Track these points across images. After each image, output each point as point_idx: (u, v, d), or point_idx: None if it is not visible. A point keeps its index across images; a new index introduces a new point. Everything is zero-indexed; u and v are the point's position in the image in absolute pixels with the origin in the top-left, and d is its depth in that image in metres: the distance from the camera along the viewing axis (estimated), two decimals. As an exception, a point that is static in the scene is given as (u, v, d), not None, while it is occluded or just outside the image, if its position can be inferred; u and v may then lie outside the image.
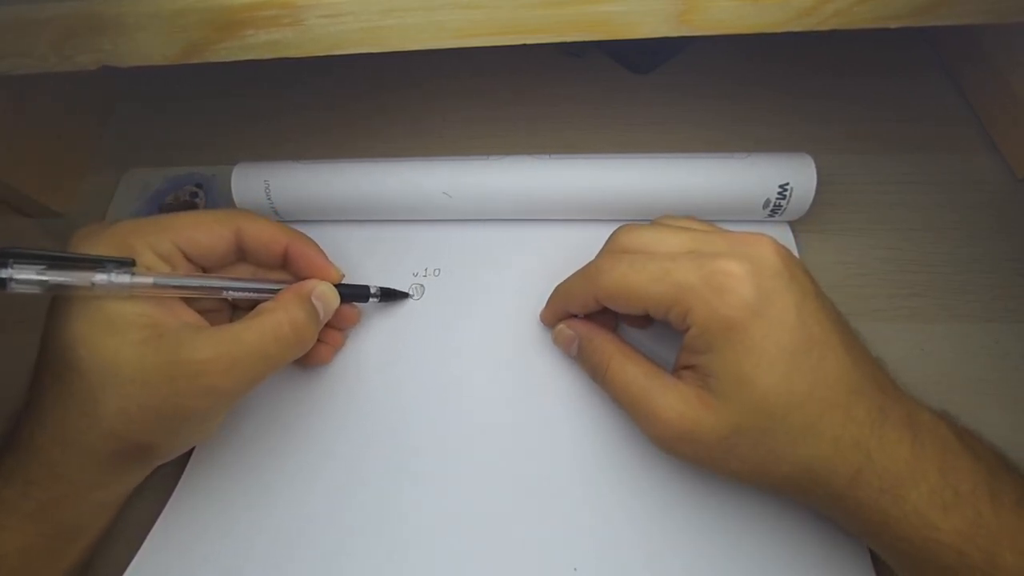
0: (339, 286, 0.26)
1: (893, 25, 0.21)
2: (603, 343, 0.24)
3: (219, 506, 0.25)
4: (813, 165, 0.27)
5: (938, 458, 0.19)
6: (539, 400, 0.26)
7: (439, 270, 0.30)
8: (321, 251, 0.26)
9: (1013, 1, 0.21)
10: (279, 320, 0.22)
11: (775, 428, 0.19)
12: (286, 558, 0.23)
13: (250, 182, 0.29)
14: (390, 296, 0.28)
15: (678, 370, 0.22)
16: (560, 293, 0.26)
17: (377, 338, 0.28)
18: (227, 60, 0.23)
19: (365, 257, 0.30)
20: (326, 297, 0.25)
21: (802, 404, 0.19)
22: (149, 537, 0.24)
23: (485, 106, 0.36)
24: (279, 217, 0.31)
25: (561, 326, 0.26)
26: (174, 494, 0.25)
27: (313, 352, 0.26)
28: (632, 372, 0.22)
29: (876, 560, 0.22)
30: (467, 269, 0.30)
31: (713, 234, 0.22)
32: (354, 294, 0.27)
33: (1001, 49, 0.31)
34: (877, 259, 0.29)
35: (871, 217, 0.30)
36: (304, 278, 0.25)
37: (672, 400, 0.21)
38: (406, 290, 0.29)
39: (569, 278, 0.25)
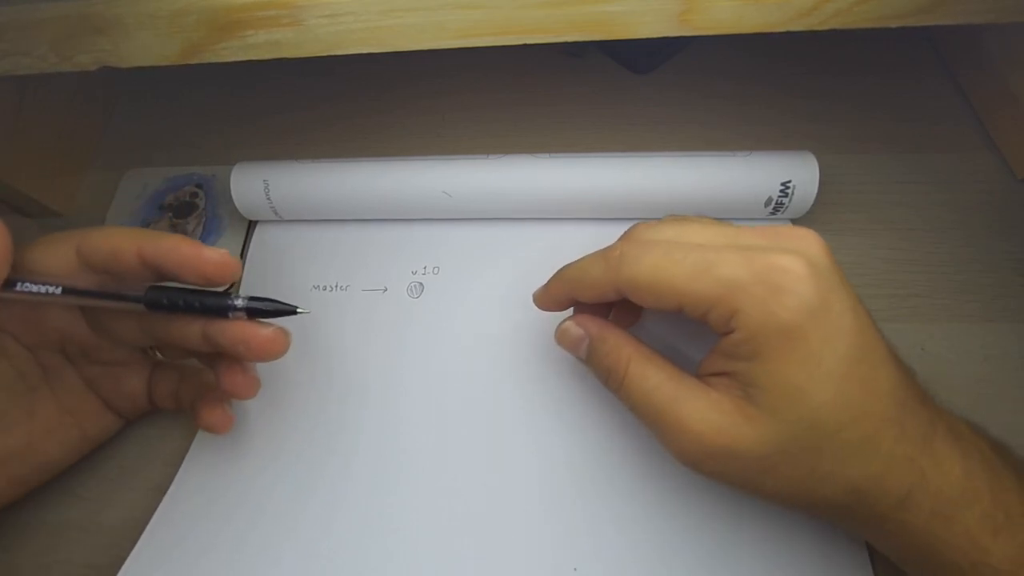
0: (192, 291, 0.21)
1: (893, 25, 0.21)
2: (619, 344, 0.21)
3: (214, 504, 0.25)
4: (816, 163, 0.27)
5: (987, 476, 0.17)
6: (539, 399, 0.26)
7: (438, 268, 0.30)
8: (188, 240, 0.21)
9: (1013, 1, 0.21)
10: None
11: (824, 446, 0.17)
12: (281, 555, 0.23)
13: (249, 182, 0.29)
14: (263, 312, 0.21)
15: (706, 376, 0.19)
16: (568, 278, 0.22)
17: (375, 336, 0.28)
18: (227, 60, 0.23)
19: (364, 256, 0.30)
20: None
21: (856, 419, 0.17)
22: (144, 534, 0.24)
23: (485, 106, 0.36)
24: (279, 217, 0.31)
25: (568, 323, 0.22)
26: (170, 490, 0.25)
27: (204, 414, 0.23)
28: (655, 377, 0.19)
29: (875, 560, 0.22)
30: (466, 267, 0.30)
31: (747, 229, 0.20)
32: (208, 304, 0.21)
33: (1001, 49, 0.31)
34: (877, 259, 0.29)
35: (871, 217, 0.30)
36: (185, 279, 0.21)
37: (705, 410, 0.18)
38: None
39: (581, 261, 0.22)
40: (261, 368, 0.28)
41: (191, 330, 0.22)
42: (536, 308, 0.24)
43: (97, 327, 0.23)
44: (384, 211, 0.30)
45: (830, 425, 0.17)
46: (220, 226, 0.32)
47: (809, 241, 0.19)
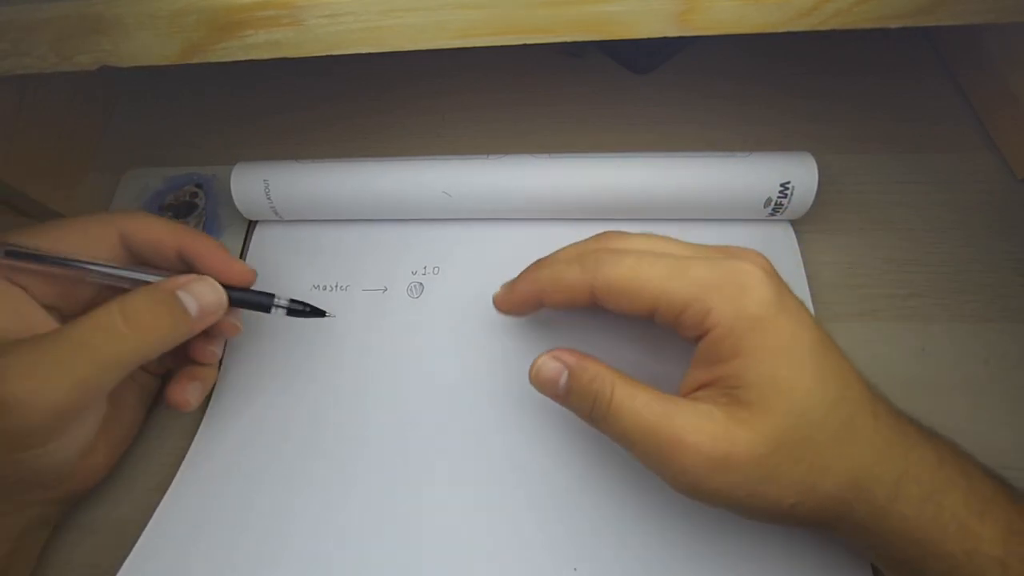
0: (235, 289, 0.24)
1: (893, 25, 0.21)
2: (601, 370, 0.20)
3: (214, 504, 0.25)
4: (815, 164, 0.27)
5: (956, 462, 0.18)
6: (539, 399, 0.26)
7: (438, 268, 0.30)
8: (223, 249, 0.24)
9: (1013, 1, 0.21)
10: (110, 308, 0.20)
11: (816, 436, 0.18)
12: (280, 555, 0.23)
13: (249, 182, 0.29)
14: (301, 312, 0.25)
15: (689, 393, 0.20)
16: (540, 279, 0.22)
17: (375, 336, 0.28)
18: (227, 60, 0.23)
19: (364, 256, 0.30)
20: (199, 292, 0.22)
21: (837, 404, 0.18)
22: (144, 534, 0.24)
23: (485, 106, 0.36)
24: (279, 217, 0.31)
25: (545, 359, 0.21)
26: (170, 490, 0.25)
27: (173, 391, 0.24)
28: (643, 397, 0.19)
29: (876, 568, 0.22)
30: (466, 268, 0.30)
31: (705, 245, 0.21)
32: (252, 300, 0.24)
33: (1001, 49, 0.31)
34: (877, 259, 0.29)
35: (871, 217, 0.30)
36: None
37: (698, 421, 0.18)
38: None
39: (553, 265, 0.22)
40: (263, 369, 0.28)
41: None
42: (494, 299, 0.25)
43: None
44: (384, 211, 0.30)
45: (817, 412, 0.18)
46: (220, 226, 0.32)
47: (756, 256, 0.21)
